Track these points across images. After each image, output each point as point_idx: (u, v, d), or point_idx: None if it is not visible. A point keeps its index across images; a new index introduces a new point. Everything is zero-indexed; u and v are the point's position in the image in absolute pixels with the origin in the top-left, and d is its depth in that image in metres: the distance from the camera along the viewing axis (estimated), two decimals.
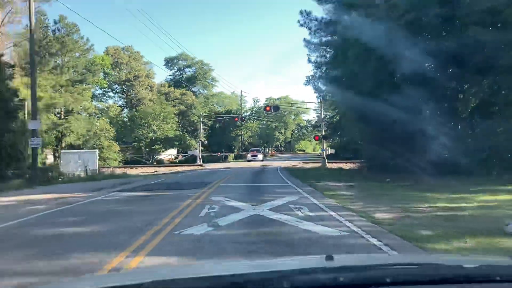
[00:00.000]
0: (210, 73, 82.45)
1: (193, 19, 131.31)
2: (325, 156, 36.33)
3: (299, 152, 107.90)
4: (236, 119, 48.46)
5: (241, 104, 76.79)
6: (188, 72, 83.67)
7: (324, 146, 36.56)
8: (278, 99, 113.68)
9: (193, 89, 79.89)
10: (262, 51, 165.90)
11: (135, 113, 56.15)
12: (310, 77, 29.97)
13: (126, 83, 60.62)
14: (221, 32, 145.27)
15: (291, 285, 1.52)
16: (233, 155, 72.93)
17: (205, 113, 71.30)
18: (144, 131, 52.52)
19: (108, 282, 1.76)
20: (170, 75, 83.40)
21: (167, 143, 55.50)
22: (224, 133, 78.23)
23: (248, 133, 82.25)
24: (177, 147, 63.38)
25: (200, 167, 41.15)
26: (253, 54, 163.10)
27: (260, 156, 52.65)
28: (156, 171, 37.08)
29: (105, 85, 59.24)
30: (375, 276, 1.62)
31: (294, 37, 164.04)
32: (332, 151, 37.81)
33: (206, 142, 73.41)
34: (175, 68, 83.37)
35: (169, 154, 64.22)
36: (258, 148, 61.07)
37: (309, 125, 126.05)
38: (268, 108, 42.65)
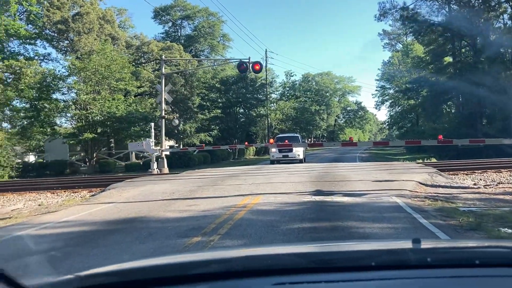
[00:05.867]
0: (219, 28, 54.87)
1: None
2: None
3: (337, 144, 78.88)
4: (243, 66, 20.30)
5: (266, 67, 48.45)
6: (188, 27, 56.48)
7: None
8: (319, 74, 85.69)
9: (195, 53, 52.88)
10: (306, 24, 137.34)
11: (50, 71, 29.10)
12: None
13: (60, 26, 34.16)
14: None
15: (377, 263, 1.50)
16: (254, 149, 45.62)
17: (206, 83, 44.04)
18: (51, 105, 25.58)
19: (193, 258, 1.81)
20: (161, 33, 56.66)
21: (119, 128, 28.41)
22: (243, 114, 51.07)
23: (278, 115, 54.27)
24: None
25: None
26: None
27: (297, 152, 23.97)
28: None
29: (21, 30, 32.76)
30: (464, 258, 1.58)
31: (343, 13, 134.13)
32: None
33: (214, 129, 46.77)
34: (169, 23, 56.38)
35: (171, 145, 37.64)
36: (293, 135, 29.52)
37: (357, 107, 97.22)
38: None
